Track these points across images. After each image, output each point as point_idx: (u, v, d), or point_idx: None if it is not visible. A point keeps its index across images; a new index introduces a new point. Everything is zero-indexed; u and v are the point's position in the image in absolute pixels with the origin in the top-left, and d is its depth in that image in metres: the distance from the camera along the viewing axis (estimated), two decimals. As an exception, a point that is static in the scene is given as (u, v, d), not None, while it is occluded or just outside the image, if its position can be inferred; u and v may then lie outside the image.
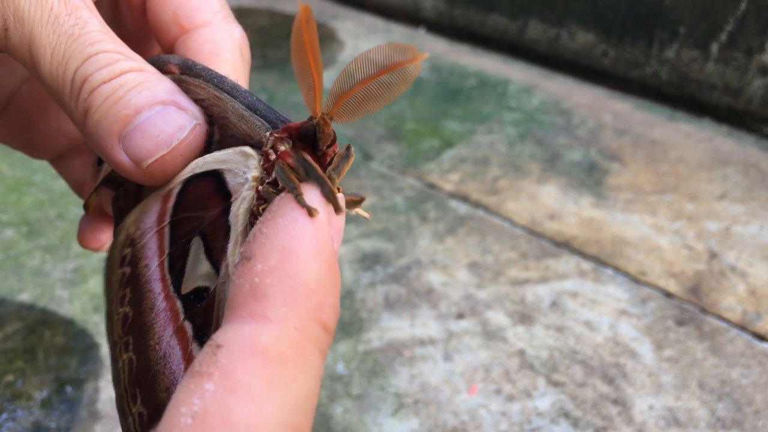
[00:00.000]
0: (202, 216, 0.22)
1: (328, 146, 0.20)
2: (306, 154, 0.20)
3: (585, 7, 1.23)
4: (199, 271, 0.23)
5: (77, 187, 0.32)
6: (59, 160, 0.33)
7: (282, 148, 0.21)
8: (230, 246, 0.22)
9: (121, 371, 0.23)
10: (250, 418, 0.15)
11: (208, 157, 0.22)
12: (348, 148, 0.20)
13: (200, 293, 0.23)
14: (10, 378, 0.58)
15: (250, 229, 0.21)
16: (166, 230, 0.23)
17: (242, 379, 0.16)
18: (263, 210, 0.21)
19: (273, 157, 0.21)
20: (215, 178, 0.22)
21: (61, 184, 0.84)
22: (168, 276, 0.23)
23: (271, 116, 0.23)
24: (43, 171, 0.87)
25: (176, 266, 0.23)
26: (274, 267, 0.17)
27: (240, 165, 0.22)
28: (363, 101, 0.20)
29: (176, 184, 0.23)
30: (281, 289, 0.17)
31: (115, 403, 0.23)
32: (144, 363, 0.23)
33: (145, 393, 0.23)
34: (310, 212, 0.18)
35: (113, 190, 0.28)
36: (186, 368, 0.22)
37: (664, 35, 1.15)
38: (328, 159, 0.21)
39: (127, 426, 0.23)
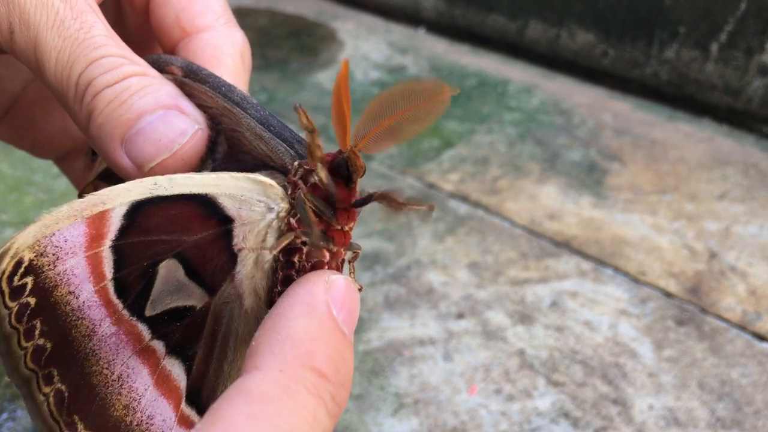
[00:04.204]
0: (178, 240, 0.22)
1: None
2: (336, 186, 0.21)
3: (585, 7, 1.23)
4: (175, 292, 0.22)
5: (81, 187, 0.32)
6: (64, 160, 0.33)
7: (312, 180, 0.21)
8: (246, 270, 0.22)
9: (44, 405, 0.22)
10: None
11: (179, 177, 0.22)
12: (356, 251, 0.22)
13: (178, 313, 0.22)
14: (10, 378, 0.58)
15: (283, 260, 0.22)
16: (106, 254, 0.22)
17: (224, 414, 0.17)
18: (302, 243, 0.22)
19: (302, 187, 0.21)
20: (199, 202, 0.21)
21: (61, 184, 0.84)
22: (116, 300, 0.22)
23: (285, 133, 0.23)
24: (43, 171, 0.87)
25: (133, 290, 0.22)
26: (266, 329, 0.19)
27: (253, 193, 0.21)
28: (390, 134, 0.20)
29: (115, 205, 0.21)
30: (269, 342, 0.18)
31: None
32: (85, 390, 0.22)
33: (92, 416, 0.22)
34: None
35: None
36: (156, 383, 0.22)
37: (663, 35, 1.15)
38: (356, 191, 0.21)
39: None
